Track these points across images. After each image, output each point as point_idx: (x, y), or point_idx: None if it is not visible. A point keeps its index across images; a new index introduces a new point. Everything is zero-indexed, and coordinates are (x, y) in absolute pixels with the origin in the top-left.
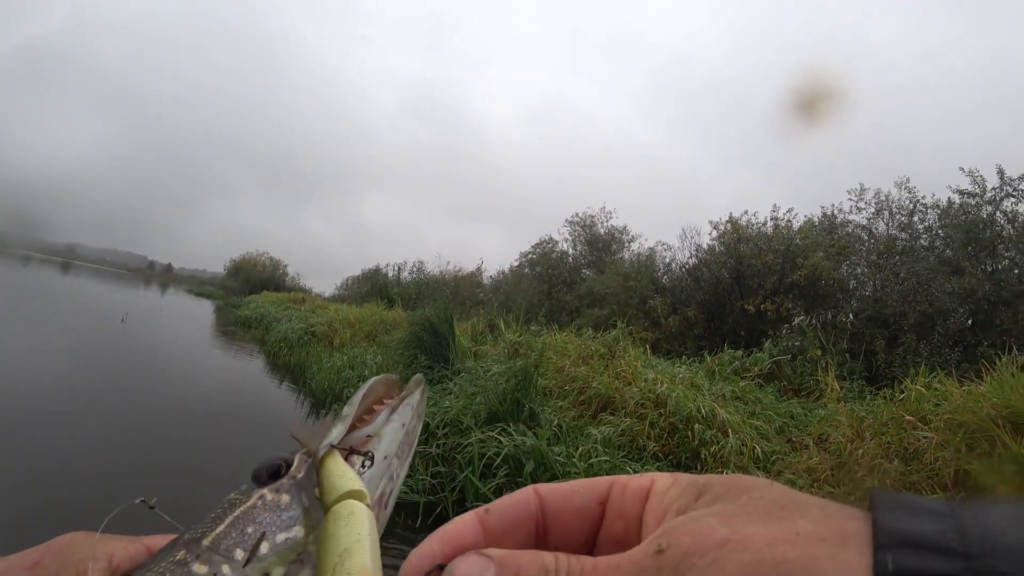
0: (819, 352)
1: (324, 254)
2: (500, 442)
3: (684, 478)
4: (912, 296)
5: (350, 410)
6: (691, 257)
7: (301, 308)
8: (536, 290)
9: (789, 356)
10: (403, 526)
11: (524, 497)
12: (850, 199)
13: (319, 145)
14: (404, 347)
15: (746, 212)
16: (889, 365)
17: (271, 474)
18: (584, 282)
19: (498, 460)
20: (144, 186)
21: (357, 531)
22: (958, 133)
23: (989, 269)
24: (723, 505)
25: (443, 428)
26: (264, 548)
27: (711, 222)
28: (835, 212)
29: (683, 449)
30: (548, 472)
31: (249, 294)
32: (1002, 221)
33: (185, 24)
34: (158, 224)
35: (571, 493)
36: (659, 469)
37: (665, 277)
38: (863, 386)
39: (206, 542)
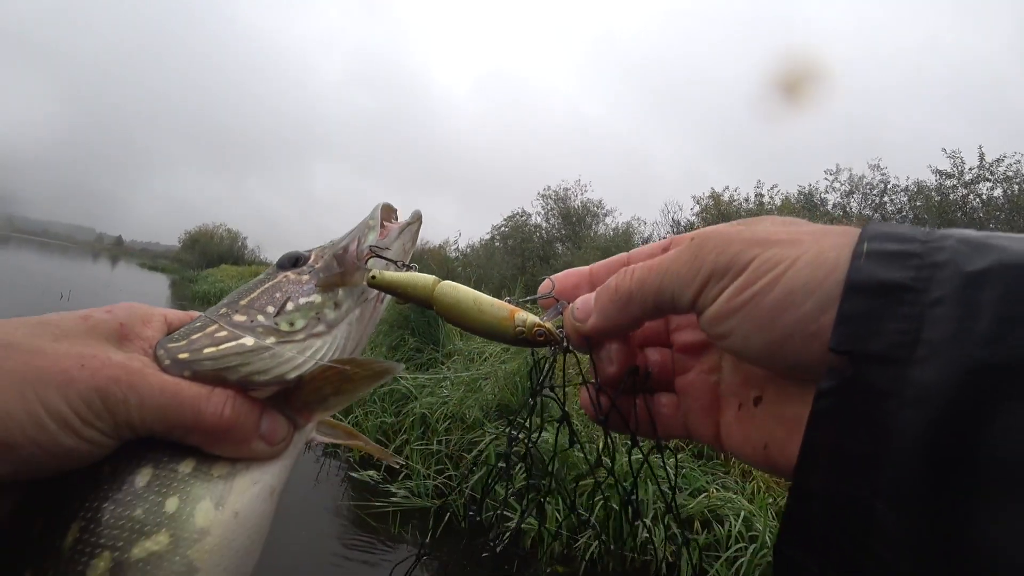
0: None
1: (275, 226)
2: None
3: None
4: None
5: (375, 222)
6: (670, 232)
7: None
8: (509, 264)
9: None
10: (412, 540)
11: (618, 257)
12: (826, 179)
13: (263, 114)
14: (389, 327)
15: (727, 188)
16: None
17: (292, 262)
18: (560, 256)
19: (519, 461)
20: (86, 156)
21: (468, 292)
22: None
23: None
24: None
25: (444, 422)
26: (289, 306)
27: (694, 196)
28: (811, 191)
29: None
30: (574, 471)
31: (206, 268)
32: (976, 203)
33: None
34: (105, 195)
35: (646, 248)
36: (685, 459)
37: None
38: None
39: (243, 302)
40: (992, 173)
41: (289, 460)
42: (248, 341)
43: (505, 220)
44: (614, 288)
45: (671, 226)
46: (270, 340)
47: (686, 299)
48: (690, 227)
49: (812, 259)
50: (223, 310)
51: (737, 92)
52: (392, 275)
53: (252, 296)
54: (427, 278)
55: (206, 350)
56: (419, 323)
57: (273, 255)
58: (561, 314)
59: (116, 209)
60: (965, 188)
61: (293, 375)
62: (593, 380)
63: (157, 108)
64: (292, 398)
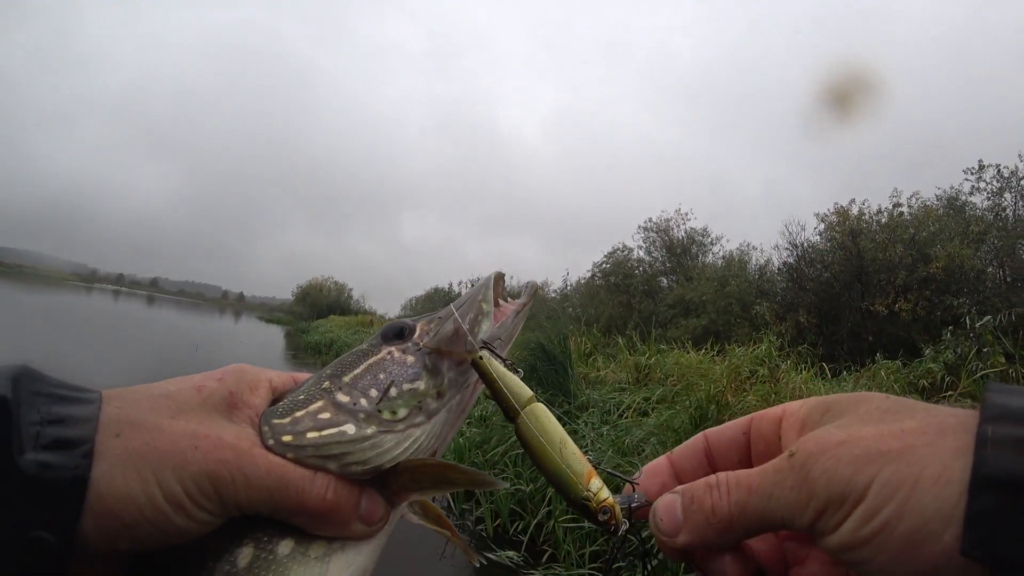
0: (1002, 359)
1: (373, 274)
2: None
3: (812, 400)
4: None
5: (489, 308)
6: (790, 256)
7: (371, 331)
8: (615, 301)
9: (969, 365)
10: None
11: (696, 440)
12: (967, 178)
13: (355, 173)
14: None
15: (853, 200)
16: None
17: (396, 334)
18: (671, 291)
19: None
20: (212, 223)
21: (558, 427)
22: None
23: None
24: (844, 418)
25: None
26: (393, 392)
27: (817, 215)
28: (954, 194)
29: None
30: None
31: (316, 319)
32: None
33: (225, 78)
34: (228, 256)
35: (724, 429)
36: None
37: (758, 280)
38: None
39: (346, 379)
40: None
41: (382, 540)
42: (349, 429)
43: (606, 256)
44: (710, 510)
45: (790, 248)
46: (371, 429)
47: (800, 525)
48: (812, 248)
49: (936, 476)
50: (326, 383)
51: (802, 99)
52: (497, 367)
53: (355, 373)
54: (525, 390)
55: (309, 435)
56: (547, 372)
57: (377, 304)
58: (631, 503)
59: (238, 267)
60: None
61: (390, 465)
62: None
63: (268, 175)
64: (390, 480)
